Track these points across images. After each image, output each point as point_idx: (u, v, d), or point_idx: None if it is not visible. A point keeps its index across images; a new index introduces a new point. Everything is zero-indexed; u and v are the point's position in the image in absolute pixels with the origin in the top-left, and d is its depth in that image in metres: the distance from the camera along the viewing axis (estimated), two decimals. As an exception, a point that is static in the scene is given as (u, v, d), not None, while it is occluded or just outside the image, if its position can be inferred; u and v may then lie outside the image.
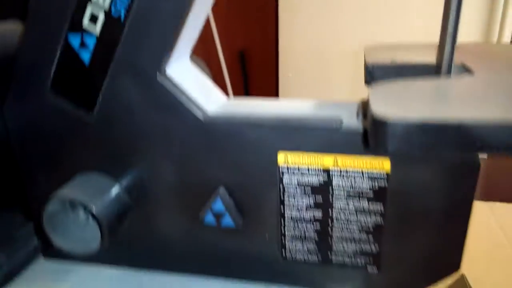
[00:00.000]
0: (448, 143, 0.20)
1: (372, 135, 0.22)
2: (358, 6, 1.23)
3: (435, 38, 0.29)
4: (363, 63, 0.34)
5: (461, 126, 0.19)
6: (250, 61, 1.59)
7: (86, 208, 0.32)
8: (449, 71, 0.28)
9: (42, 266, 0.40)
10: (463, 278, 0.43)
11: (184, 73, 0.33)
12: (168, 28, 0.30)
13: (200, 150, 0.33)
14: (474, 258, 0.50)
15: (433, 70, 0.30)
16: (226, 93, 1.42)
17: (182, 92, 0.31)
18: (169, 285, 0.37)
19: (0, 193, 0.40)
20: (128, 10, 0.29)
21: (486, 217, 0.57)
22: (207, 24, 1.61)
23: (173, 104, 0.31)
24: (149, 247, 0.38)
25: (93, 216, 0.32)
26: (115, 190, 0.35)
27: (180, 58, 0.33)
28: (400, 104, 0.22)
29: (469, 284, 0.42)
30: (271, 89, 1.48)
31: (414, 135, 0.19)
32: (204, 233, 0.35)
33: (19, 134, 0.35)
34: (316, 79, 1.37)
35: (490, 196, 0.61)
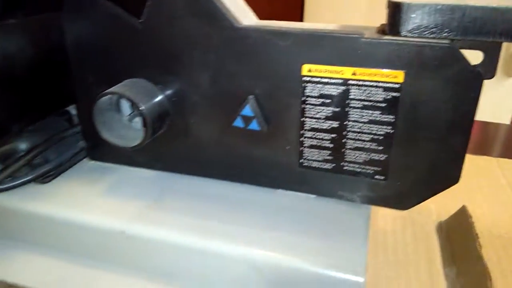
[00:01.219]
0: (454, 26, 0.23)
1: (388, 23, 0.25)
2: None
3: None
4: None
5: (466, 9, 0.23)
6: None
7: (134, 105, 0.37)
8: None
9: (87, 165, 0.46)
10: (464, 209, 0.47)
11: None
12: None
13: (233, 58, 0.37)
14: (477, 197, 0.54)
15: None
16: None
17: (219, 2, 0.35)
18: (195, 186, 0.42)
19: (52, 98, 0.45)
20: None
21: (492, 168, 0.61)
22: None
23: (211, 11, 0.35)
24: (183, 152, 0.42)
25: (140, 112, 0.37)
26: (159, 94, 0.39)
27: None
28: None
29: (469, 214, 0.46)
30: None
31: (424, 16, 0.23)
32: (232, 139, 0.40)
33: (74, 40, 0.40)
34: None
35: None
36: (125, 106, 0.41)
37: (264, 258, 0.34)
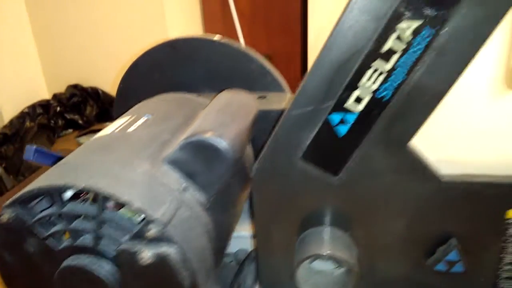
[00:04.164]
0: None
1: None
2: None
3: None
4: None
5: None
6: (276, 63, 1.67)
7: (344, 264, 0.37)
8: None
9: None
10: None
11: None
12: (428, 106, 0.35)
13: (433, 206, 0.38)
14: None
15: None
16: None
17: (423, 158, 0.36)
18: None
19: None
20: (394, 92, 0.35)
21: None
22: (233, 30, 1.73)
23: (417, 168, 0.36)
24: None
25: (349, 269, 0.37)
26: (349, 241, 0.40)
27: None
28: None
29: None
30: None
31: None
32: (424, 276, 0.40)
33: (262, 196, 0.40)
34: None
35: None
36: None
37: None
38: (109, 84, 1.69)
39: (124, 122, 0.41)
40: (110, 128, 0.40)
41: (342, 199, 0.39)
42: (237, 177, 0.44)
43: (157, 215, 0.30)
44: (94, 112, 1.74)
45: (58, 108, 1.71)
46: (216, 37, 0.55)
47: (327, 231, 0.40)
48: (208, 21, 1.88)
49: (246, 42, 1.78)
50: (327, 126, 0.37)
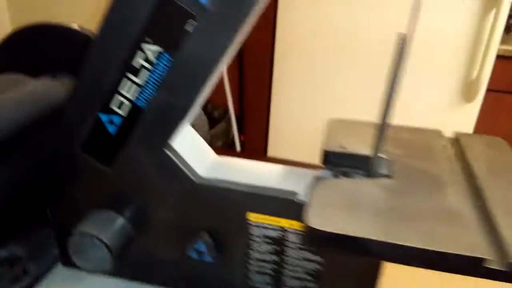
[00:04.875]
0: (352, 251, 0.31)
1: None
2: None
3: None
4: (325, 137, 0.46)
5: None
6: (247, 57, 1.67)
7: (100, 240, 0.43)
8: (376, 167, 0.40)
9: (60, 272, 0.51)
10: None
11: (183, 141, 0.44)
12: (176, 118, 0.41)
13: (191, 203, 0.44)
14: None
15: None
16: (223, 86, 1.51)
17: (181, 160, 0.42)
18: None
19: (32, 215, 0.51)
20: (147, 103, 0.40)
21: None
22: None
23: (173, 169, 0.42)
24: (148, 266, 0.49)
25: (107, 246, 0.43)
26: (121, 223, 0.45)
27: (182, 129, 0.44)
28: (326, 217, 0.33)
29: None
30: (265, 84, 1.58)
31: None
32: (188, 262, 0.47)
33: (53, 179, 0.46)
34: (310, 77, 1.48)
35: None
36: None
37: None
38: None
39: None
40: None
41: (116, 188, 0.45)
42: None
43: None
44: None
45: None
46: (75, 25, 0.60)
47: (100, 214, 0.46)
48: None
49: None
50: (99, 123, 0.42)
